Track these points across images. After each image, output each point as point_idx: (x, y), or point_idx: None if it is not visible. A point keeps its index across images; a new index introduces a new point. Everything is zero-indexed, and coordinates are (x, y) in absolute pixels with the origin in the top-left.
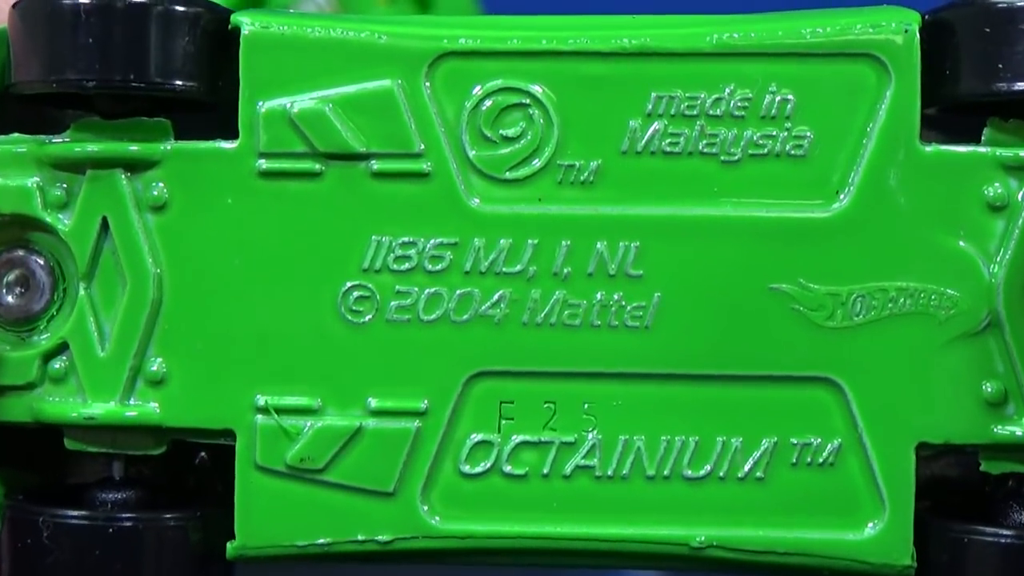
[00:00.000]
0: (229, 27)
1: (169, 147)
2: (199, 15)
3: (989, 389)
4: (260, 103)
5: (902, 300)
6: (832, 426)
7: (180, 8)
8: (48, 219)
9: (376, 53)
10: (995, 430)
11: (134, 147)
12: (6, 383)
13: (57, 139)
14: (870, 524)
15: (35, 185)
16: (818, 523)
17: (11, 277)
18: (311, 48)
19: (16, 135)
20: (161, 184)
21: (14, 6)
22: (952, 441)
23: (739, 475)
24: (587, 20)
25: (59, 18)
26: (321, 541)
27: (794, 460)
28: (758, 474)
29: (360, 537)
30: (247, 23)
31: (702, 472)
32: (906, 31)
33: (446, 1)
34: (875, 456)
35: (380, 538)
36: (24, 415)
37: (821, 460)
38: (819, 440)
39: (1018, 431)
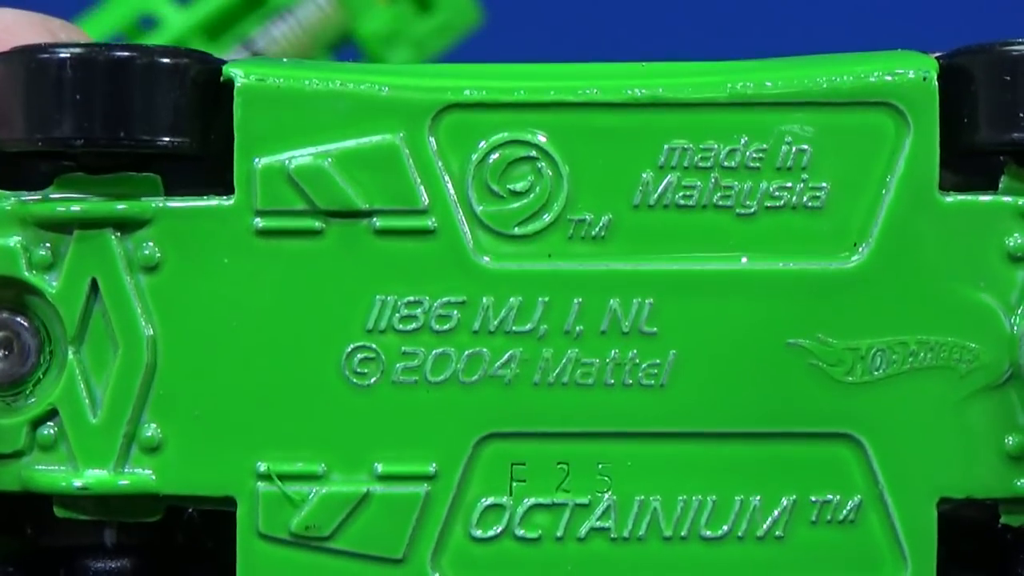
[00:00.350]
0: (221, 78)
1: (160, 204)
2: (189, 67)
3: (1011, 442)
4: (256, 159)
5: (922, 354)
6: (852, 483)
7: (169, 60)
8: (34, 281)
9: (378, 106)
10: (1017, 484)
11: (123, 205)
12: None
13: (39, 195)
14: None
15: (19, 245)
16: None
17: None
18: (309, 101)
19: None
20: (152, 243)
21: None
22: (974, 495)
23: (758, 534)
24: (596, 69)
25: (43, 73)
26: None
27: (814, 518)
28: (777, 533)
29: None
30: (240, 75)
31: (720, 532)
32: (924, 78)
33: (447, 1)
34: (896, 512)
35: None
36: (12, 484)
37: (841, 517)
38: (839, 497)
39: None
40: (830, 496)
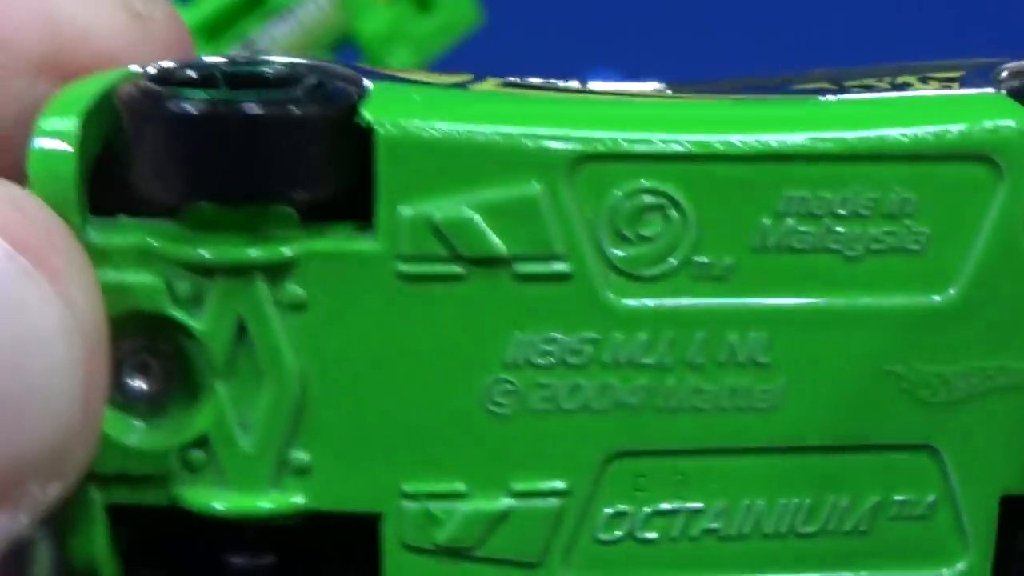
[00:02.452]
0: (356, 122)
1: (303, 247)
2: (324, 116)
3: None
4: (400, 207)
5: (999, 377)
6: (929, 484)
7: (303, 113)
8: (180, 317)
9: (518, 157)
10: None
11: (262, 252)
12: (140, 472)
13: (171, 224)
14: (958, 564)
15: (161, 280)
16: (912, 565)
17: (141, 366)
18: (450, 151)
19: (133, 223)
20: (296, 284)
21: (127, 101)
22: None
23: (845, 529)
24: (719, 113)
25: (174, 130)
26: None
27: (894, 514)
28: (862, 527)
29: None
30: (381, 124)
31: (814, 529)
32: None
33: (447, 1)
34: (964, 508)
35: None
36: (160, 500)
37: (917, 514)
38: (916, 497)
39: None
40: (909, 496)
